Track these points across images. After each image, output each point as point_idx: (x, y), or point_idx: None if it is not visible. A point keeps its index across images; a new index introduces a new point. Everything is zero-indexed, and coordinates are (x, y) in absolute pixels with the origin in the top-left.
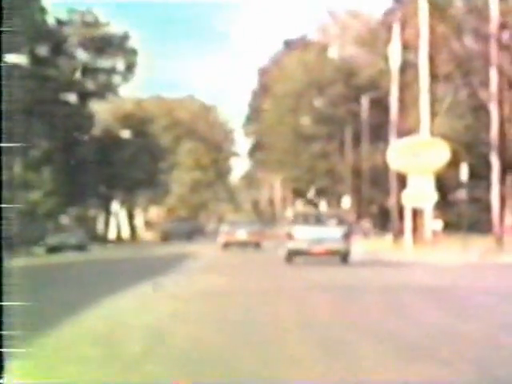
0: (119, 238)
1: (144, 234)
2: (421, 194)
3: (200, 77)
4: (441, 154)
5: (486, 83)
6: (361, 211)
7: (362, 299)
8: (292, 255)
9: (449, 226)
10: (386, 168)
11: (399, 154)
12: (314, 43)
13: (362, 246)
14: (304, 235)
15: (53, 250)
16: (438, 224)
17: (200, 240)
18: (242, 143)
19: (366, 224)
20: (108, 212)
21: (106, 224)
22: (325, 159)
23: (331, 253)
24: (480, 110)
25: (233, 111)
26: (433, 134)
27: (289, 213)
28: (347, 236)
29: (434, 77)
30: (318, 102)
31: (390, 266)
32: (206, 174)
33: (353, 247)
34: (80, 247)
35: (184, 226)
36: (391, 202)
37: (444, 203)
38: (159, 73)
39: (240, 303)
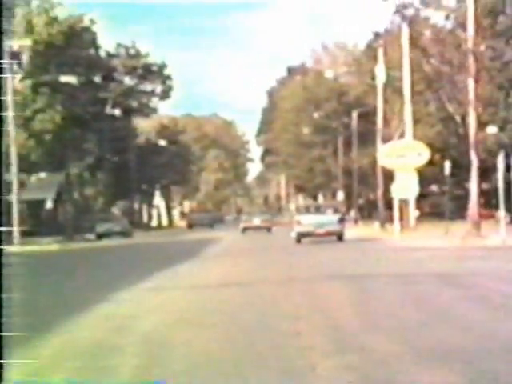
0: (160, 226)
1: (179, 222)
2: (406, 188)
3: (222, 97)
4: (422, 154)
5: (452, 98)
6: (350, 203)
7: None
8: (300, 237)
9: (423, 215)
10: (371, 168)
11: (388, 154)
12: (311, 69)
13: (355, 232)
14: (309, 221)
15: (101, 236)
16: (415, 213)
17: (221, 227)
18: (255, 151)
19: (354, 213)
20: (150, 205)
21: (149, 215)
22: (321, 162)
23: (330, 234)
24: (448, 120)
25: (248, 126)
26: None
27: (292, 205)
28: (341, 221)
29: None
30: (316, 116)
31: (383, 247)
32: (227, 176)
33: (347, 232)
34: (124, 233)
35: (206, 216)
36: (378, 195)
37: (419, 196)
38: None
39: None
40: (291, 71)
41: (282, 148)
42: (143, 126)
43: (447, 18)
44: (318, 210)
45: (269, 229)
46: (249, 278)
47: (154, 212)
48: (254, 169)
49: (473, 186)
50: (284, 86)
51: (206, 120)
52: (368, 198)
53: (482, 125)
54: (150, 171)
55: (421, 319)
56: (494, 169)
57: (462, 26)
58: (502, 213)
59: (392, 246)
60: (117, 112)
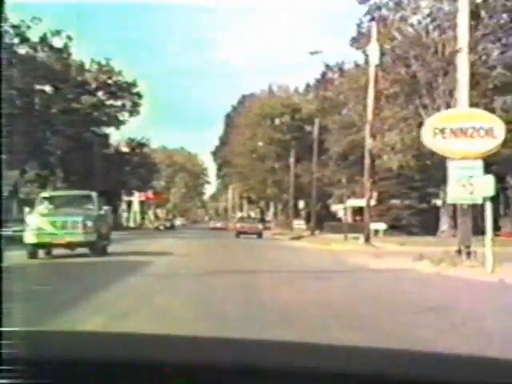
0: (128, 227)
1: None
2: (471, 186)
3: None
4: (493, 131)
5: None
6: (297, 213)
7: None
8: (239, 233)
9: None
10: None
11: (439, 129)
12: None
13: (341, 249)
14: (245, 225)
15: None
16: (382, 226)
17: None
18: (211, 175)
19: (305, 223)
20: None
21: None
22: (274, 173)
23: (255, 233)
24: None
25: (207, 157)
26: (384, 144)
27: (238, 215)
28: (261, 227)
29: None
30: (270, 131)
31: None
32: (190, 192)
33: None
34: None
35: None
36: (366, 198)
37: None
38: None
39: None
40: (244, 98)
41: (237, 160)
42: (114, 138)
43: (428, 16)
44: (250, 219)
45: (225, 229)
46: None
47: (131, 216)
48: (209, 189)
49: None
50: (241, 106)
51: (176, 152)
52: (309, 209)
53: None
54: (116, 177)
55: None
56: None
57: (441, 28)
58: None
59: None
60: (89, 123)
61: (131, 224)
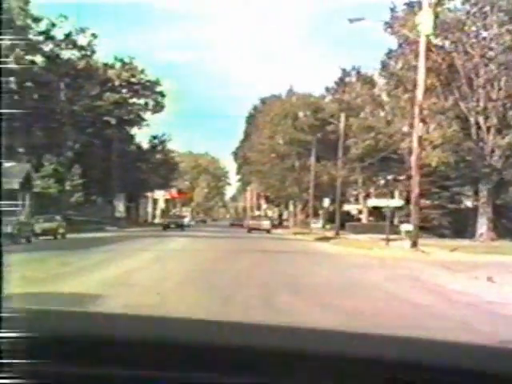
0: (152, 223)
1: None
2: None
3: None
4: None
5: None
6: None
7: None
8: (251, 229)
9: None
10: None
11: None
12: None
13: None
14: (256, 222)
15: None
16: (409, 227)
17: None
18: (233, 177)
19: (323, 222)
20: (137, 202)
21: (127, 210)
22: (294, 172)
23: (264, 229)
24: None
25: (229, 161)
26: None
27: (255, 213)
28: (271, 224)
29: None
30: (291, 130)
31: None
32: (212, 193)
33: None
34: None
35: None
36: (413, 196)
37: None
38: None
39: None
40: (264, 101)
41: (257, 157)
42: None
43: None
44: (261, 217)
45: (241, 225)
46: None
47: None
48: (230, 190)
49: None
50: (262, 106)
51: (200, 156)
52: (327, 209)
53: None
54: (137, 174)
55: None
56: None
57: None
58: None
59: None
60: (112, 121)
61: (156, 220)
